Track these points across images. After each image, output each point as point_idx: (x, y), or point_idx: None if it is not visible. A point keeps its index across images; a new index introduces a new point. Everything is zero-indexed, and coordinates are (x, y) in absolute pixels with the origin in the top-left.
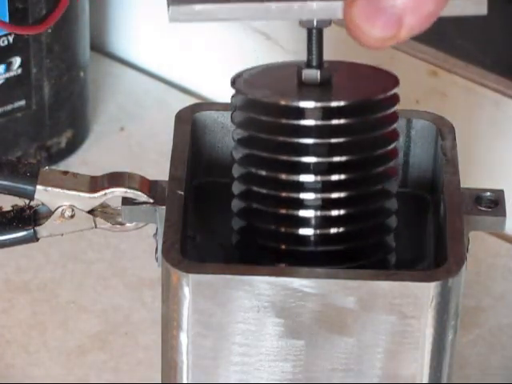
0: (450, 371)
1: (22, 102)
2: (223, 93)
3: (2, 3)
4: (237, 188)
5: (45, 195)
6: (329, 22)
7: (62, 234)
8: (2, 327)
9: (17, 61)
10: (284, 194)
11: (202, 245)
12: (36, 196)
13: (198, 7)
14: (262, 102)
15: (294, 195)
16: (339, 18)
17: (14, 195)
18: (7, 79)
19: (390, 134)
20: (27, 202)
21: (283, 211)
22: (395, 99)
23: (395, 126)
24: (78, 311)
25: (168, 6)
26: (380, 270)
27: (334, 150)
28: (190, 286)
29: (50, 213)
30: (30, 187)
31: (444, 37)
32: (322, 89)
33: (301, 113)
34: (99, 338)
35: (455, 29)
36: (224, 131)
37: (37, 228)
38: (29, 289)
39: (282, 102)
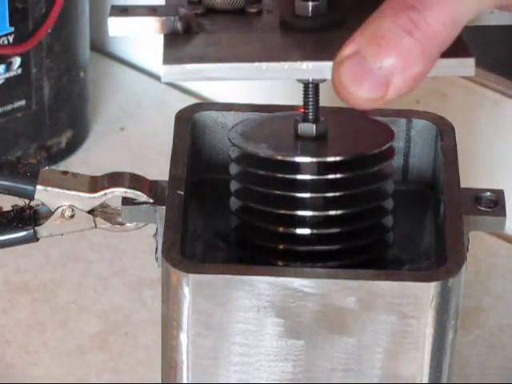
0: (449, 371)
1: (22, 102)
2: (223, 93)
3: (1, 3)
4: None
5: (45, 195)
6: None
7: (62, 234)
8: (2, 327)
9: (17, 61)
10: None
11: (202, 243)
12: (36, 196)
13: (190, 67)
14: (259, 156)
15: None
16: (328, 78)
17: (14, 195)
18: (7, 79)
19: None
20: (27, 201)
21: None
22: (390, 152)
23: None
24: (78, 311)
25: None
26: (380, 270)
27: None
28: (189, 286)
29: (50, 213)
30: (30, 187)
31: None
32: (317, 142)
33: (297, 167)
34: (99, 338)
35: None
36: (224, 131)
37: (37, 228)
38: (29, 289)
39: (279, 157)
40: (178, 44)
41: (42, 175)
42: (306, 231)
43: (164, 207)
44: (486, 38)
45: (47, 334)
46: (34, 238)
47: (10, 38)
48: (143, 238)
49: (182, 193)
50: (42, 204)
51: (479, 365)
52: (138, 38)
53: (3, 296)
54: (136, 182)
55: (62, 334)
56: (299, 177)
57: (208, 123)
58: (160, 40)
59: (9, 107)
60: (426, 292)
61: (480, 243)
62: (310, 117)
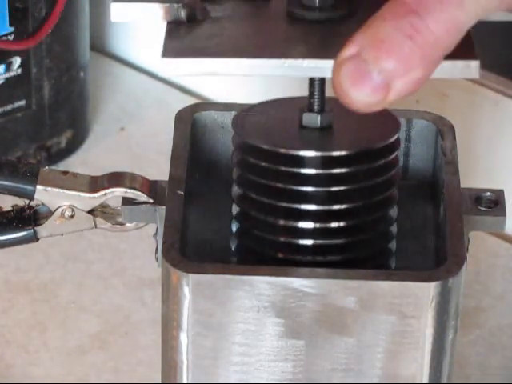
0: (449, 371)
1: (22, 102)
2: (223, 93)
3: (1, 3)
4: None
5: (45, 195)
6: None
7: (62, 234)
8: (2, 327)
9: (17, 61)
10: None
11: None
12: (36, 196)
13: (189, 61)
14: (262, 148)
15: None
16: (328, 76)
17: (14, 195)
18: (7, 79)
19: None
20: (27, 201)
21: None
22: (396, 144)
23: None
24: (78, 311)
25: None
26: (380, 270)
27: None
28: (189, 285)
29: (50, 213)
30: (30, 187)
31: None
32: (322, 134)
33: (301, 161)
34: (99, 338)
35: None
36: (224, 131)
37: (37, 228)
38: (29, 289)
39: (282, 151)
40: (179, 34)
41: (42, 175)
42: (309, 225)
43: (164, 207)
44: (485, 37)
45: (47, 334)
46: (34, 238)
47: (10, 38)
48: (143, 238)
49: (182, 193)
50: (42, 204)
51: (479, 365)
52: (139, 29)
53: (3, 296)
54: (136, 182)
55: (61, 334)
56: (303, 170)
57: (208, 123)
58: (160, 40)
59: (9, 107)
60: (426, 292)
61: (480, 243)
62: (316, 107)
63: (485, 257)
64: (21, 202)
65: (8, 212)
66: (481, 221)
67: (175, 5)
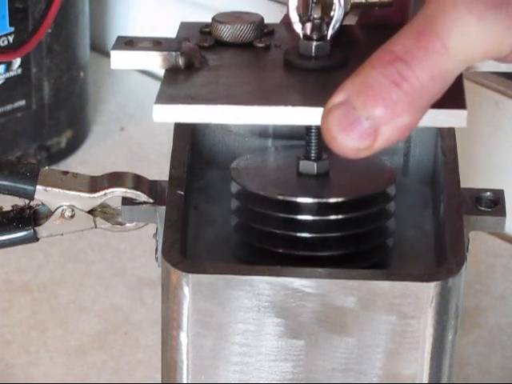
0: (449, 371)
1: (22, 102)
2: None
3: (1, 3)
4: None
5: (45, 195)
6: None
7: (62, 234)
8: (2, 327)
9: (17, 61)
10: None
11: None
12: (36, 196)
13: (180, 108)
14: (260, 195)
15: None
16: (318, 124)
17: (13, 195)
18: (7, 79)
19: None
20: (27, 202)
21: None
22: (392, 192)
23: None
24: (78, 311)
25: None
26: (380, 270)
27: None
28: (189, 285)
29: (50, 213)
30: (30, 187)
31: None
32: (318, 181)
33: (297, 207)
34: (99, 338)
35: None
36: (224, 131)
37: (37, 228)
38: (29, 289)
39: (280, 197)
40: (175, 81)
41: (42, 175)
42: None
43: (164, 207)
44: None
45: (47, 334)
46: (34, 238)
47: (10, 38)
48: (143, 238)
49: (182, 193)
50: (42, 204)
51: (479, 365)
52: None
53: (3, 296)
54: (136, 182)
55: (62, 334)
56: (300, 217)
57: (208, 123)
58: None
59: (9, 107)
60: (426, 292)
61: (480, 243)
62: (312, 155)
63: (485, 257)
64: (21, 202)
65: (8, 212)
66: (481, 221)
67: (173, 53)
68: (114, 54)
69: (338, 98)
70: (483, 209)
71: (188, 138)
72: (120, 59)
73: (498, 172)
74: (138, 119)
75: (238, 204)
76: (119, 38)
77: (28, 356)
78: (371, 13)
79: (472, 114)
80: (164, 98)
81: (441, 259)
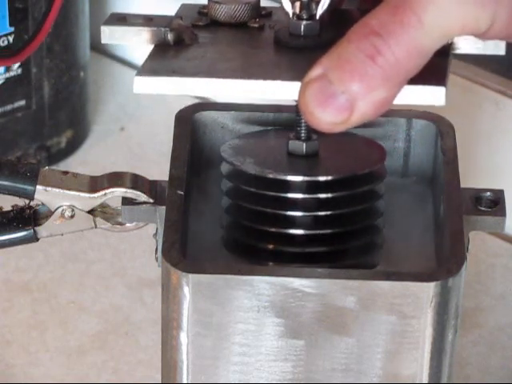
0: (449, 371)
1: (22, 102)
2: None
3: (1, 3)
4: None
5: (45, 195)
6: None
7: (62, 234)
8: (2, 327)
9: None
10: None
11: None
12: (36, 196)
13: (160, 79)
14: (250, 173)
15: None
16: (295, 98)
17: (13, 195)
18: (7, 79)
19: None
20: (27, 202)
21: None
22: (382, 172)
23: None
24: (78, 311)
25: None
26: (380, 270)
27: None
28: (189, 285)
29: (50, 213)
30: (30, 187)
31: None
32: (308, 161)
33: (287, 186)
34: (99, 338)
35: None
36: (224, 131)
37: (37, 228)
38: (29, 289)
39: (270, 176)
40: (162, 56)
41: (42, 175)
42: (296, 249)
43: (164, 207)
44: None
45: (47, 334)
46: (34, 238)
47: (10, 38)
48: (143, 238)
49: (182, 193)
50: (42, 204)
51: (479, 365)
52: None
53: (3, 296)
54: (136, 182)
55: (62, 334)
56: (290, 195)
57: (208, 123)
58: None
59: (9, 107)
60: (426, 292)
61: (480, 243)
62: (302, 135)
63: (485, 257)
64: (21, 202)
65: (8, 212)
66: (481, 221)
67: (162, 29)
68: (103, 29)
69: (314, 72)
70: (483, 209)
71: (188, 138)
72: (109, 34)
73: (498, 172)
74: (137, 119)
75: (229, 184)
76: (112, 15)
77: (28, 356)
78: None
79: (472, 114)
80: (146, 70)
81: (441, 259)
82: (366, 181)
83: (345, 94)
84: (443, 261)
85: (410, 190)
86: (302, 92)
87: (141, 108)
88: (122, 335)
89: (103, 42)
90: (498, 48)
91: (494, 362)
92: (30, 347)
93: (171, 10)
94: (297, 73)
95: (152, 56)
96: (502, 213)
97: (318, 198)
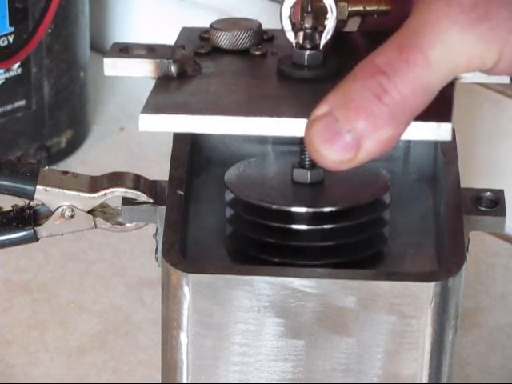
0: (449, 371)
1: (22, 102)
2: None
3: (1, 3)
4: None
5: (45, 195)
6: None
7: (62, 234)
8: (2, 327)
9: None
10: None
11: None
12: (36, 196)
13: (166, 117)
14: (254, 204)
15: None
16: (301, 135)
17: (13, 195)
18: (7, 79)
19: None
20: (27, 202)
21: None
22: (386, 200)
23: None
24: (78, 311)
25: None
26: (380, 270)
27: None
28: (189, 285)
29: (50, 213)
30: (30, 187)
31: None
32: (312, 190)
33: (291, 217)
34: (99, 338)
35: None
36: None
37: (37, 228)
38: (29, 289)
39: (274, 207)
40: (165, 89)
41: (42, 175)
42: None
43: (164, 207)
44: None
45: (47, 334)
46: (34, 238)
47: (10, 38)
48: (143, 238)
49: (182, 193)
50: (42, 204)
51: (479, 365)
52: (140, 30)
53: (3, 296)
54: (136, 182)
55: (62, 334)
56: (294, 226)
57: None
58: (160, 40)
59: (9, 107)
60: (426, 292)
61: (480, 243)
62: (306, 163)
63: (485, 257)
64: (21, 202)
65: (8, 212)
66: (481, 221)
67: (166, 61)
68: (106, 61)
69: (320, 109)
70: (483, 209)
71: (188, 138)
72: (113, 66)
73: (498, 172)
74: (137, 119)
75: (232, 213)
76: (114, 45)
77: (28, 356)
78: (371, 20)
79: (472, 114)
80: (151, 107)
81: (441, 259)
82: (370, 209)
83: (351, 133)
84: (443, 261)
85: (410, 190)
86: (307, 129)
87: (141, 108)
88: (122, 335)
89: (106, 74)
90: (502, 78)
91: (494, 362)
92: (29, 347)
93: (171, 10)
94: (302, 107)
95: (156, 90)
96: (502, 213)
97: (322, 229)
